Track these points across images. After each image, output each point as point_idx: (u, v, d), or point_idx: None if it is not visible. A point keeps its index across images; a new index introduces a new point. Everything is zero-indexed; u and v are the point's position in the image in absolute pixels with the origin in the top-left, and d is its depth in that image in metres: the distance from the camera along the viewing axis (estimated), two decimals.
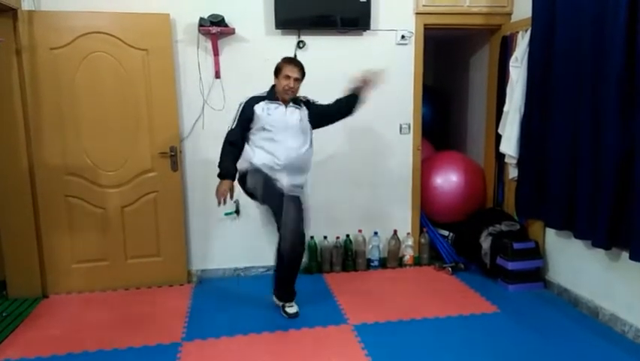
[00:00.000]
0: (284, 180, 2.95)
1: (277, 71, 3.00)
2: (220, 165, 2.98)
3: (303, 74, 3.01)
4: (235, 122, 3.00)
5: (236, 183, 3.03)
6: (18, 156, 3.34)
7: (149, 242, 3.62)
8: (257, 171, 2.96)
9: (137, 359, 2.65)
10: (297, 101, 3.09)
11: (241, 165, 3.00)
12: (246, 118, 2.98)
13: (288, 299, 3.15)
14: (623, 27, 2.58)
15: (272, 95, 3.02)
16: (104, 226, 3.54)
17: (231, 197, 3.02)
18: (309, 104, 3.15)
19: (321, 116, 3.16)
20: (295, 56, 3.66)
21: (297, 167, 3.01)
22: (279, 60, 3.02)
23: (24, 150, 3.34)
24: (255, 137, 3.00)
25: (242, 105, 3.02)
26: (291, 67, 2.96)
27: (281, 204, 2.88)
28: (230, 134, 3.00)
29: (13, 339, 2.88)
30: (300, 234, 2.93)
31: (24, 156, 3.35)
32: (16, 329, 2.99)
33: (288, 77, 2.94)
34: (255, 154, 2.98)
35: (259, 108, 2.96)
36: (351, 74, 3.18)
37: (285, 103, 3.01)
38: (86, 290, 3.56)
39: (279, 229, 2.93)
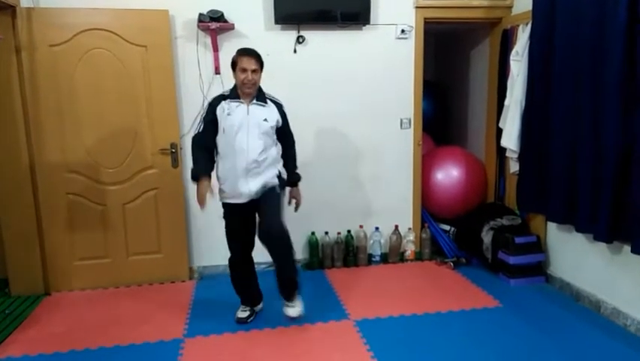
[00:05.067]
0: (244, 188, 2.79)
1: (233, 65, 2.77)
2: (192, 169, 2.80)
3: (261, 64, 2.76)
4: (201, 126, 2.81)
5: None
6: (18, 154, 3.34)
7: (151, 239, 3.62)
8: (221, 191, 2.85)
9: (139, 355, 2.66)
10: (263, 99, 2.83)
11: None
12: (209, 120, 2.78)
13: (287, 297, 2.97)
14: (624, 20, 2.57)
15: (234, 93, 2.78)
16: (106, 224, 3.55)
17: (212, 194, 2.82)
18: (281, 107, 2.89)
19: (280, 133, 2.92)
20: (295, 51, 3.65)
21: (251, 173, 2.78)
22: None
23: (24, 147, 3.34)
24: (218, 142, 2.80)
25: (206, 106, 2.86)
26: (246, 58, 2.71)
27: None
28: (195, 138, 2.82)
29: (15, 337, 2.89)
30: (275, 223, 2.78)
31: (24, 153, 3.34)
32: (19, 327, 3.00)
33: (244, 69, 2.69)
34: (218, 166, 2.83)
35: (220, 109, 2.75)
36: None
37: (248, 100, 2.78)
38: (87, 288, 3.57)
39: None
